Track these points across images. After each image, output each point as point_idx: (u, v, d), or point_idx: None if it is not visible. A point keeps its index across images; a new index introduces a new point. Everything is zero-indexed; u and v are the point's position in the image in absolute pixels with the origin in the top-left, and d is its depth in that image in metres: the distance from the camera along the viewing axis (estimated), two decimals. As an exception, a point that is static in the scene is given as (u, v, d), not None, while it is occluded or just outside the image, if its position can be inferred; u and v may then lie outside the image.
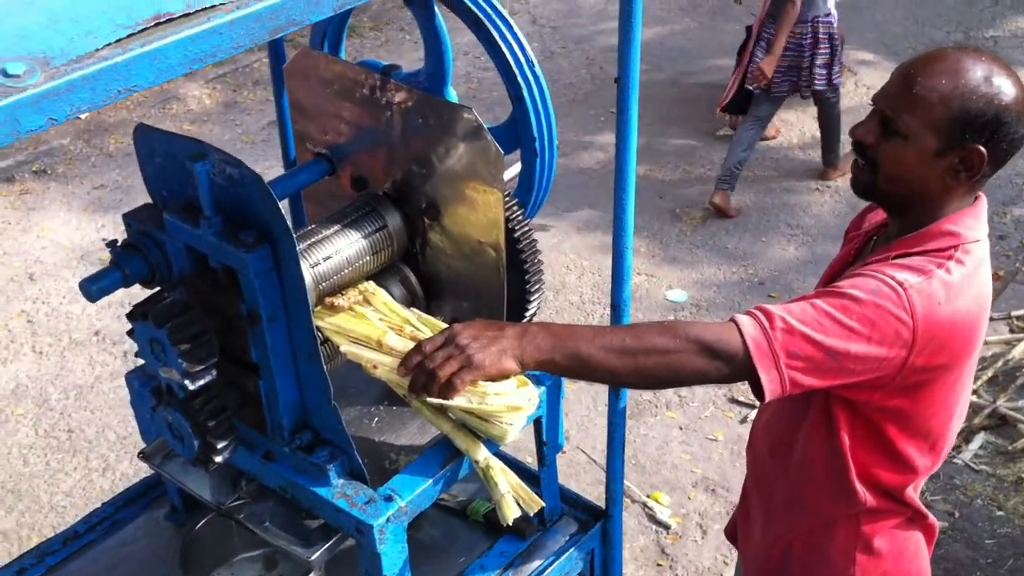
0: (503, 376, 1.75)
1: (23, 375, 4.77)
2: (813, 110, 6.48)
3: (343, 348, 1.86)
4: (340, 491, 1.79)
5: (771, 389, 1.74)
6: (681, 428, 4.27)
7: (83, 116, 6.76)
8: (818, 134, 5.88)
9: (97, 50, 1.03)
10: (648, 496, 3.95)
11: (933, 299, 1.75)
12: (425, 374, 1.74)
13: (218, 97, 7.25)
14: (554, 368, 1.76)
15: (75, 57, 1.02)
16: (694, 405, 4.37)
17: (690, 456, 4.14)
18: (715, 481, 4.01)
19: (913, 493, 2.00)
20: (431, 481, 1.82)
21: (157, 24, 1.06)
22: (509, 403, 1.76)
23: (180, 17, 1.08)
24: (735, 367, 1.75)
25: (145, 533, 2.24)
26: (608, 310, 5.01)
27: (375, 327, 1.87)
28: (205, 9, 1.10)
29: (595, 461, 4.07)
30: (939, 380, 1.84)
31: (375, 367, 1.82)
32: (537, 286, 2.07)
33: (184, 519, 2.23)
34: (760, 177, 5.89)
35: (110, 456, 4.30)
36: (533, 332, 1.76)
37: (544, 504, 1.86)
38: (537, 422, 2.02)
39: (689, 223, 5.51)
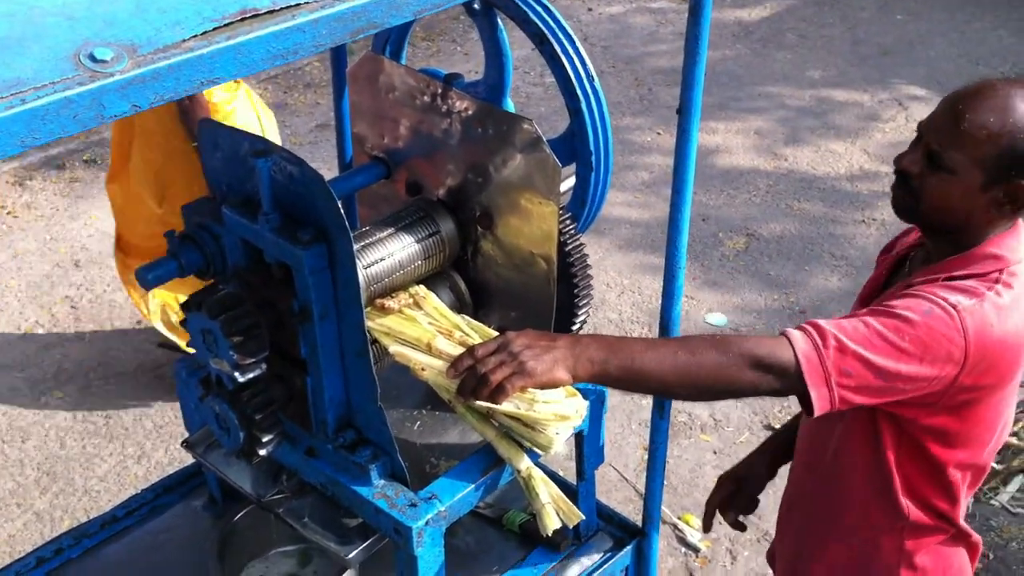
0: (553, 385, 1.77)
1: (65, 359, 4.83)
2: (862, 141, 6.47)
3: (392, 349, 1.88)
4: (380, 491, 1.81)
5: (820, 405, 1.76)
6: (715, 452, 4.25)
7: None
8: (867, 165, 5.85)
9: (183, 40, 1.05)
10: (679, 518, 3.93)
11: (986, 321, 1.77)
12: (476, 378, 1.75)
13: (268, 98, 7.31)
14: (606, 380, 1.78)
15: (162, 46, 1.04)
16: (729, 430, 4.35)
17: (723, 480, 4.11)
18: (746, 506, 3.98)
19: (957, 510, 1.99)
20: (471, 487, 1.83)
21: (243, 19, 1.09)
22: (557, 412, 1.78)
23: (265, 14, 1.10)
24: (786, 382, 1.77)
25: (182, 521, 2.26)
26: (646, 330, 5.06)
27: (425, 330, 1.89)
28: (290, 7, 1.12)
29: (626, 479, 4.07)
30: (985, 399, 1.86)
31: (423, 369, 1.84)
32: (585, 300, 2.08)
33: (222, 510, 2.25)
34: (805, 207, 5.87)
35: (146, 444, 4.34)
36: (585, 343, 1.77)
37: (583, 517, 1.86)
38: (579, 435, 2.03)
39: (731, 247, 5.49)
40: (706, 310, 5.04)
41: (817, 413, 1.76)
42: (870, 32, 7.98)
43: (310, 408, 1.86)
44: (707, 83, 6.32)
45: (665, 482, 4.08)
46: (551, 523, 1.82)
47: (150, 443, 4.35)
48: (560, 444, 1.79)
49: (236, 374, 1.75)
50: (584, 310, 2.09)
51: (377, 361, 1.96)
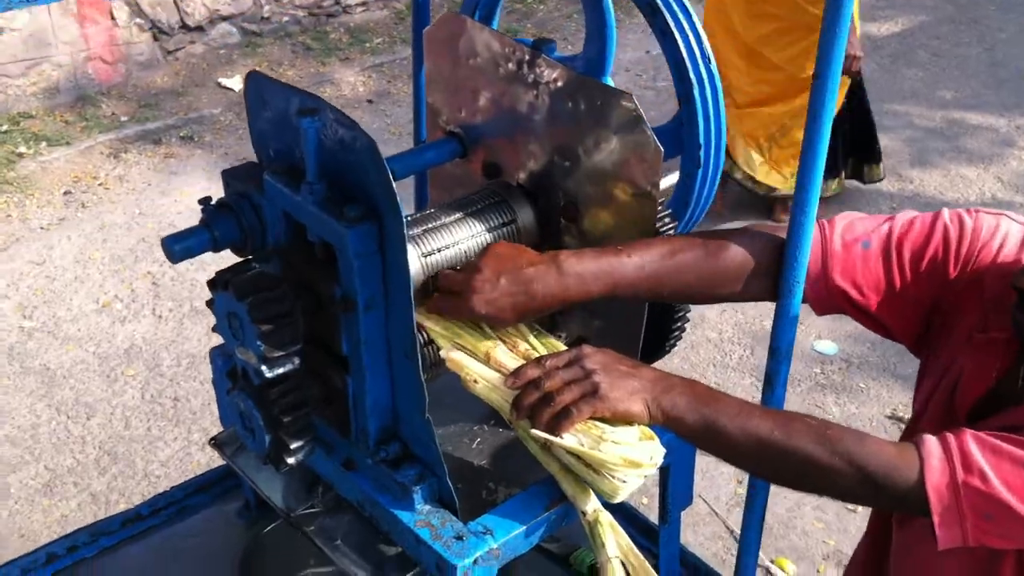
0: (626, 418, 1.49)
1: (139, 336, 4.69)
2: (996, 167, 6.01)
3: (443, 353, 1.61)
4: (424, 519, 1.54)
5: (947, 544, 1.43)
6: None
7: (237, 88, 6.74)
8: (1000, 194, 5.43)
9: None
10: (772, 561, 3.59)
11: None
12: (539, 393, 1.48)
13: (372, 86, 7.14)
14: (681, 429, 1.50)
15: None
16: (830, 467, 3.98)
17: (823, 525, 3.76)
18: (849, 557, 3.62)
19: None
20: (532, 523, 1.54)
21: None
22: (627, 456, 1.47)
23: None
24: (901, 506, 1.48)
25: (212, 526, 2.03)
26: (748, 352, 4.70)
27: (485, 337, 1.61)
28: None
29: (716, 513, 3.74)
30: None
31: (475, 381, 1.56)
32: (681, 312, 1.78)
33: (256, 518, 2.01)
34: (929, 230, 5.45)
35: (212, 431, 4.12)
36: (673, 383, 1.51)
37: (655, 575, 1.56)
38: (664, 470, 1.73)
39: (846, 270, 5.11)
40: (815, 336, 4.67)
41: (941, 547, 1.43)
42: (1009, 54, 7.49)
43: (350, 412, 1.61)
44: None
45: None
46: None
47: (217, 430, 4.14)
48: (626, 494, 1.49)
49: (263, 368, 1.50)
50: (680, 324, 1.80)
51: (432, 366, 1.69)
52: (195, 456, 4.03)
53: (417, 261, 1.63)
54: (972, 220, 1.60)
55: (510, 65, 1.72)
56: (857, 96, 5.30)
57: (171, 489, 2.09)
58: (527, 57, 1.69)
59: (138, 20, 6.88)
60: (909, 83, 7.13)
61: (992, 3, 6.54)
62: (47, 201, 5.77)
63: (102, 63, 6.84)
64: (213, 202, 1.67)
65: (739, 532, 3.65)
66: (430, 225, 1.67)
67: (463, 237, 1.68)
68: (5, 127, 6.36)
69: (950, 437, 1.43)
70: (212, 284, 1.55)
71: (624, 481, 1.47)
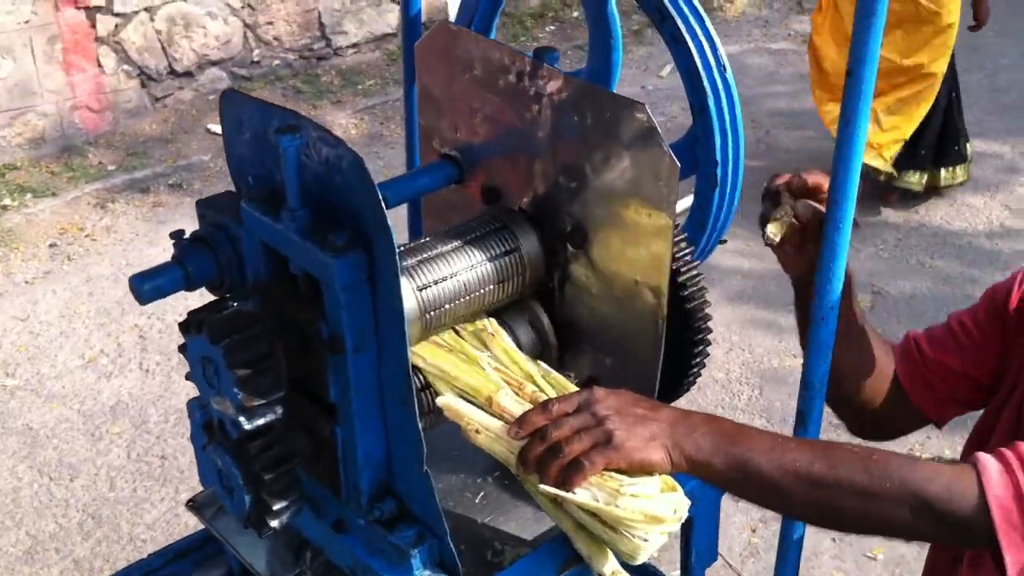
0: (645, 468, 1.32)
1: (125, 392, 4.52)
2: (1003, 195, 5.88)
3: (440, 400, 1.44)
4: (423, 585, 1.36)
5: (1016, 571, 1.28)
6: (834, 540, 3.70)
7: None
8: (1008, 222, 5.29)
9: None
10: (789, 612, 3.40)
11: None
12: (546, 444, 1.31)
13: (364, 128, 7.02)
14: (709, 475, 1.33)
15: None
16: (849, 512, 3.80)
17: (843, 574, 3.57)
18: (868, 606, 3.45)
19: None
20: (543, 589, 1.37)
21: None
22: (648, 511, 1.30)
23: None
24: (964, 533, 1.30)
25: (192, 596, 1.84)
26: (757, 392, 4.53)
27: (487, 379, 1.44)
28: None
29: (731, 565, 3.55)
30: None
31: (477, 432, 1.39)
32: (701, 347, 1.62)
33: (240, 585, 1.83)
34: (938, 264, 5.31)
35: (201, 491, 3.96)
36: (694, 423, 1.34)
37: None
38: (686, 524, 1.56)
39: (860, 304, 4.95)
40: (825, 372, 4.50)
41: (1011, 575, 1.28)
42: (1011, 80, 7.37)
43: (340, 467, 1.43)
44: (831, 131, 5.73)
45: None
46: None
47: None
48: (648, 553, 1.31)
49: (241, 419, 1.33)
50: (699, 360, 1.63)
51: (429, 412, 1.52)
52: (183, 518, 3.84)
53: (412, 296, 1.47)
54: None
55: (510, 77, 1.57)
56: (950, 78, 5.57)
57: (149, 557, 1.91)
58: (528, 68, 1.54)
59: (125, 67, 6.76)
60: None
61: (991, 29, 6.45)
62: (32, 254, 5.61)
63: (89, 111, 6.71)
64: (185, 235, 1.51)
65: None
66: (425, 255, 1.51)
67: (461, 268, 1.52)
68: (-11, 179, 6.23)
69: (1006, 450, 1.32)
70: (184, 327, 1.38)
71: (646, 539, 1.30)
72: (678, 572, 1.67)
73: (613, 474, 1.30)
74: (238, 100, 1.46)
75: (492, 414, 1.39)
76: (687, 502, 1.34)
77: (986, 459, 1.30)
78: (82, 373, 4.65)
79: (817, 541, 3.66)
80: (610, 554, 1.36)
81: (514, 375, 1.45)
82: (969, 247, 5.45)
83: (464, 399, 1.42)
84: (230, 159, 1.54)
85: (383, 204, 1.24)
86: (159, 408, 4.42)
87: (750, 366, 4.55)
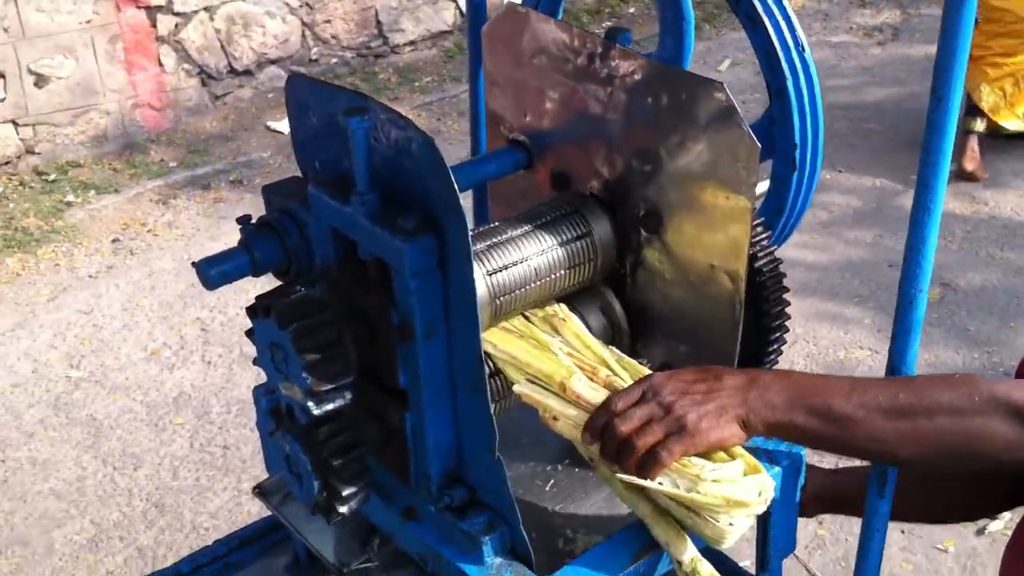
0: (723, 447, 1.28)
1: (188, 384, 4.55)
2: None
3: (516, 388, 1.41)
4: (495, 573, 1.34)
5: None
6: (903, 531, 3.63)
7: (286, 132, 6.64)
8: (1081, 213, 5.15)
9: None
10: (857, 608, 3.33)
11: None
12: (617, 441, 1.27)
13: (422, 125, 7.02)
14: (792, 433, 1.29)
15: None
16: (918, 506, 3.72)
17: (912, 567, 3.50)
18: (940, 603, 3.37)
19: None
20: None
21: None
22: (731, 495, 1.26)
23: None
24: None
25: (258, 584, 1.83)
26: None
27: (560, 365, 1.41)
28: None
29: (798, 558, 3.49)
30: None
31: (555, 419, 1.36)
32: (778, 334, 1.57)
33: (308, 574, 1.81)
34: (1010, 256, 5.18)
35: (263, 479, 3.98)
36: (764, 382, 1.28)
37: None
38: (764, 513, 1.51)
39: (924, 297, 4.85)
40: (893, 367, 4.42)
41: None
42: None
43: (410, 455, 1.41)
44: (897, 120, 5.78)
45: (842, 563, 3.51)
46: None
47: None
48: (735, 537, 1.27)
49: (310, 404, 1.31)
50: (776, 347, 1.59)
51: (500, 399, 1.50)
52: (245, 506, 3.86)
53: (482, 281, 1.44)
54: None
55: (580, 60, 1.54)
56: None
57: (214, 544, 1.91)
58: (599, 49, 1.51)
59: (186, 66, 6.83)
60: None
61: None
62: (95, 249, 5.68)
63: (150, 110, 6.78)
64: (253, 221, 1.50)
65: (822, 576, 3.40)
66: (494, 240, 1.48)
67: (532, 253, 1.49)
68: (53, 176, 6.31)
69: None
70: (251, 311, 1.37)
71: (731, 524, 1.26)
72: (749, 561, 1.63)
73: (693, 459, 1.27)
74: (304, 84, 1.45)
75: (566, 400, 1.36)
76: (772, 482, 1.30)
77: None
78: (145, 365, 4.69)
79: (887, 534, 3.59)
80: (689, 541, 1.32)
81: (587, 360, 1.42)
82: (1044, 240, 5.34)
83: (537, 386, 1.39)
84: (296, 144, 1.52)
85: (455, 186, 1.21)
86: (221, 399, 4.44)
87: (815, 358, 4.47)
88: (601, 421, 1.30)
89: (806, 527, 3.63)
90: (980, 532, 3.60)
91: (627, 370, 1.43)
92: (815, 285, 5.00)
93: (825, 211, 5.57)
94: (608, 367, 1.42)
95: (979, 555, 3.50)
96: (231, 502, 3.89)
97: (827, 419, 1.26)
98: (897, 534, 3.61)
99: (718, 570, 1.34)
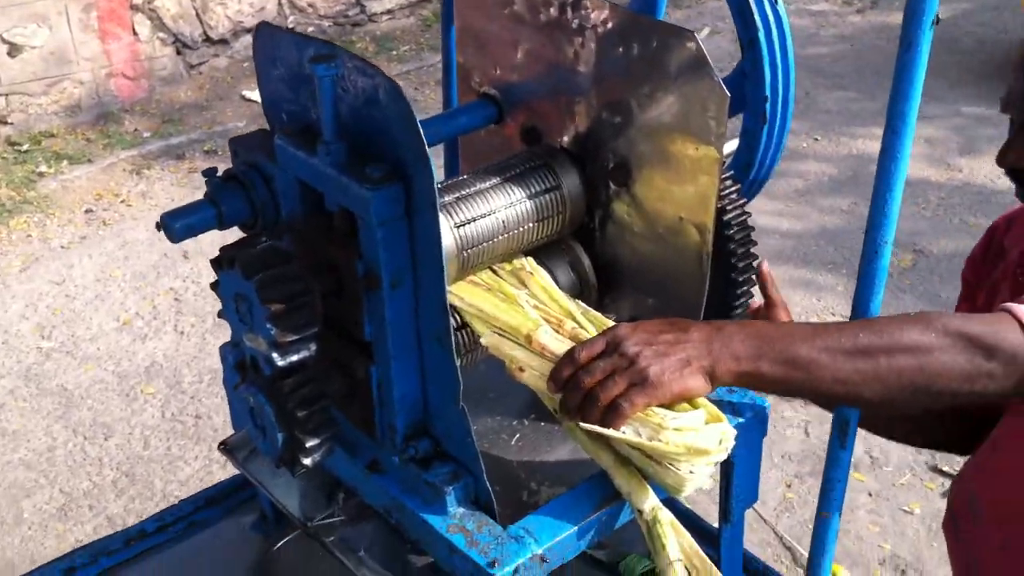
0: (687, 398, 1.28)
1: (160, 354, 4.52)
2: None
3: (484, 340, 1.40)
4: (458, 524, 1.33)
5: None
6: (871, 494, 3.66)
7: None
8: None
9: None
10: (827, 571, 3.36)
11: None
12: (581, 393, 1.27)
13: (398, 94, 6.99)
14: (759, 382, 1.29)
15: None
16: (888, 469, 3.76)
17: (879, 528, 3.53)
18: (907, 561, 3.39)
19: None
20: (579, 527, 1.33)
21: None
22: (692, 444, 1.26)
23: None
24: (1015, 369, 1.26)
25: (225, 542, 1.83)
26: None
27: (526, 317, 1.40)
28: None
29: (765, 519, 3.51)
30: None
31: (521, 369, 1.36)
32: (745, 287, 1.57)
33: (274, 531, 1.81)
34: (982, 223, 5.21)
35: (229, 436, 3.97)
36: (729, 332, 1.28)
37: None
38: (726, 464, 1.52)
39: (896, 264, 4.87)
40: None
41: None
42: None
43: (375, 407, 1.40)
44: (873, 88, 5.77)
45: (811, 524, 3.53)
46: None
47: (240, 448, 3.97)
48: (695, 486, 1.27)
49: (275, 355, 1.30)
50: (743, 301, 1.59)
51: (466, 352, 1.49)
52: (217, 475, 3.84)
53: (450, 233, 1.43)
54: None
55: (551, 10, 1.52)
56: None
57: (180, 503, 1.90)
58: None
59: (160, 34, 6.76)
60: (955, 70, 6.89)
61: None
62: (68, 220, 5.63)
63: (124, 79, 6.72)
64: (219, 174, 1.48)
65: (789, 538, 3.42)
66: (464, 192, 1.47)
67: (501, 205, 1.48)
68: (26, 146, 6.24)
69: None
70: (216, 262, 1.35)
71: (692, 472, 1.26)
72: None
73: (655, 409, 1.26)
74: (272, 33, 1.43)
75: (532, 351, 1.35)
76: (733, 432, 1.30)
77: (1011, 304, 1.30)
78: (117, 335, 4.66)
79: (853, 496, 3.62)
80: (650, 491, 1.32)
81: (553, 313, 1.42)
82: (1015, 202, 5.35)
83: (503, 338, 1.38)
84: (263, 96, 1.51)
85: (421, 133, 1.20)
86: (193, 369, 4.42)
87: (798, 319, 4.49)
88: (565, 372, 1.30)
89: (775, 491, 3.66)
90: (946, 494, 3.63)
91: (593, 323, 1.42)
92: (790, 252, 5.02)
93: (801, 179, 5.58)
94: (574, 320, 1.42)
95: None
96: (202, 471, 3.88)
97: (792, 365, 1.26)
98: (864, 496, 3.64)
99: (682, 525, 1.35)
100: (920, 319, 1.28)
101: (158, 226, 1.42)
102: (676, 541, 1.33)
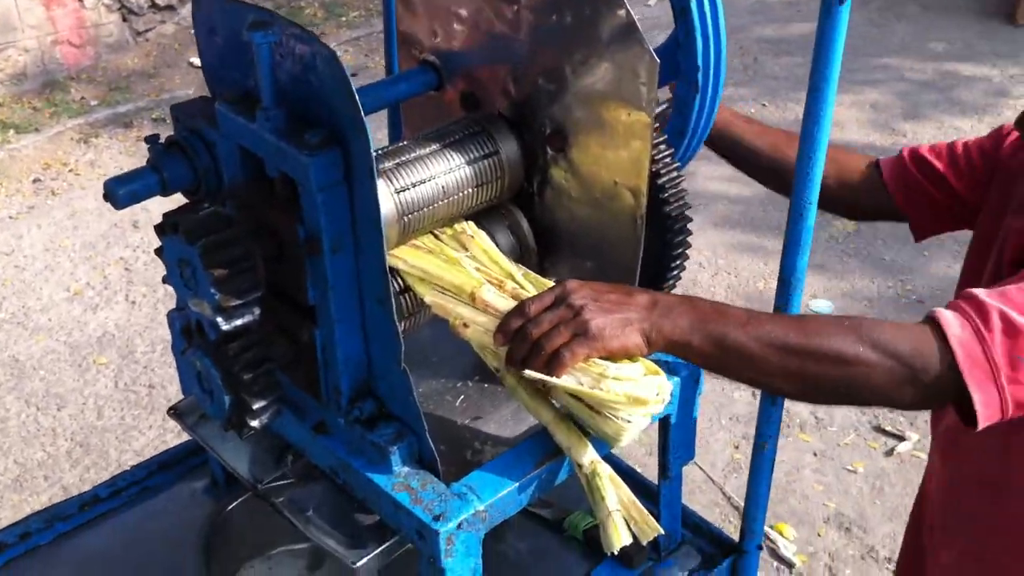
0: (625, 353, 1.33)
1: (112, 324, 4.51)
2: (990, 118, 5.88)
3: (428, 299, 1.44)
4: (403, 482, 1.37)
5: (986, 413, 1.30)
6: (815, 454, 3.74)
7: (209, 68, 6.54)
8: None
9: None
10: (771, 527, 3.44)
11: None
12: (527, 342, 1.32)
13: (349, 60, 6.95)
14: (689, 353, 1.34)
15: None
16: (832, 429, 3.84)
17: (823, 487, 3.61)
18: (851, 519, 3.48)
19: None
20: (520, 483, 1.38)
21: None
22: (631, 393, 1.31)
23: None
24: (933, 383, 1.30)
25: (177, 507, 1.85)
26: (744, 315, 4.51)
27: (469, 276, 1.45)
28: None
29: (713, 480, 3.59)
30: None
31: (465, 325, 1.40)
32: (680, 250, 1.61)
33: (225, 495, 1.84)
34: (924, 187, 5.30)
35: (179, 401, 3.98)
36: (670, 304, 1.34)
37: (661, 532, 1.40)
38: (664, 421, 1.57)
39: (841, 228, 4.95)
40: (810, 295, 4.52)
41: (982, 423, 1.30)
42: (1001, 3, 7.33)
43: (320, 370, 1.44)
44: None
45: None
46: (618, 537, 1.36)
47: (193, 416, 3.98)
48: (632, 435, 1.33)
49: (219, 319, 1.33)
50: (678, 263, 1.63)
51: (410, 315, 1.52)
52: (171, 444, 3.83)
53: (390, 198, 1.46)
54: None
55: (487, -21, 1.55)
56: None
57: (132, 468, 1.93)
58: (505, -32, 1.52)
59: (106, 1, 6.68)
60: (899, 36, 6.98)
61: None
62: (16, 190, 5.58)
63: (70, 46, 6.64)
64: (161, 141, 1.50)
65: (737, 499, 3.49)
66: (403, 158, 1.50)
67: (440, 171, 1.51)
68: (-29, 115, 6.17)
69: (957, 300, 1.35)
70: (160, 228, 1.38)
71: (629, 421, 1.31)
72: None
73: (597, 361, 1.31)
74: (210, 1, 1.44)
75: (476, 308, 1.39)
76: (670, 384, 1.35)
77: (941, 311, 1.33)
78: (68, 306, 4.64)
79: (798, 456, 3.71)
80: (589, 446, 1.37)
81: (494, 274, 1.46)
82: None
83: (448, 297, 1.42)
84: (204, 64, 1.52)
85: (358, 99, 1.22)
86: (145, 339, 4.42)
87: (735, 289, 4.56)
88: (515, 324, 1.35)
89: (723, 452, 3.74)
90: (889, 453, 3.73)
91: (533, 284, 1.46)
92: (737, 218, 5.09)
93: (749, 146, 5.64)
94: (515, 280, 1.46)
95: (887, 475, 3.63)
96: (156, 440, 3.89)
97: (720, 346, 1.32)
98: (809, 456, 3.73)
99: (623, 481, 1.40)
100: (851, 329, 1.32)
101: (105, 197, 1.44)
102: (615, 493, 1.38)
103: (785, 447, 3.77)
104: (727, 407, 3.90)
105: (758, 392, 1.76)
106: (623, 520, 1.37)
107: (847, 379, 1.31)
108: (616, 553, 1.40)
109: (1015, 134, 1.72)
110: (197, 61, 6.77)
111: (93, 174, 5.73)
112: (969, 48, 6.69)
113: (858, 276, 4.65)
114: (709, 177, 5.27)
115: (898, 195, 1.87)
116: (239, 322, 1.34)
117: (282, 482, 1.55)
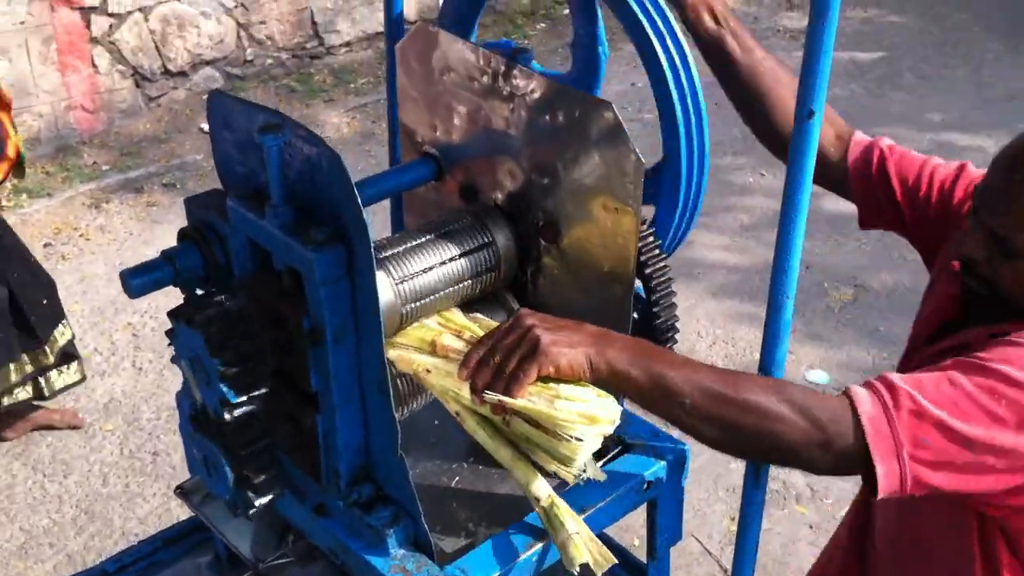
0: (572, 372, 1.41)
1: (118, 390, 4.57)
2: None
3: (390, 354, 1.51)
4: (399, 564, 1.43)
5: (887, 485, 1.41)
6: (811, 527, 3.77)
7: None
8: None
9: None
10: (769, 600, 3.47)
11: None
12: (489, 371, 1.41)
13: (356, 127, 7.07)
14: (628, 384, 1.42)
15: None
16: (828, 502, 3.87)
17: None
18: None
19: None
20: (512, 566, 1.44)
21: None
22: (583, 411, 1.40)
23: None
24: (843, 452, 1.41)
25: (182, 581, 1.91)
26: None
27: (430, 329, 1.55)
28: None
29: (710, 552, 3.62)
30: None
31: (428, 371, 1.48)
32: (669, 334, 1.68)
33: (228, 571, 1.89)
34: (918, 256, 5.37)
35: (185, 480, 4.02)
36: (615, 338, 1.45)
37: (615, 561, 1.45)
38: (651, 504, 1.63)
39: (837, 299, 5.02)
40: (806, 366, 4.58)
41: (882, 493, 1.41)
42: (996, 75, 7.46)
43: (321, 454, 1.50)
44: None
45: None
46: (579, 554, 1.42)
47: (197, 482, 4.03)
48: (585, 455, 1.39)
49: (224, 413, 1.39)
50: (669, 335, 1.70)
51: (407, 401, 1.59)
52: (175, 512, 3.89)
53: (390, 289, 1.53)
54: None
55: (485, 78, 1.63)
56: None
57: (139, 543, 1.98)
58: (502, 68, 1.60)
59: (120, 67, 6.81)
60: (896, 106, 7.08)
61: (976, 24, 6.54)
62: (27, 255, 5.66)
63: (83, 111, 6.76)
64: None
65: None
66: (401, 248, 1.57)
67: (436, 262, 1.59)
68: (-16, 180, 6.27)
69: (871, 379, 1.46)
70: (174, 315, 1.45)
71: (580, 440, 1.38)
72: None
73: (551, 383, 1.39)
74: (224, 101, 1.53)
75: (437, 356, 1.48)
76: (619, 408, 1.42)
77: (855, 388, 1.44)
78: (76, 371, 4.70)
79: (794, 529, 3.73)
80: (546, 483, 1.44)
81: (453, 326, 1.55)
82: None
83: (410, 350, 1.51)
84: (217, 158, 1.60)
85: (359, 201, 1.30)
86: (151, 405, 4.47)
87: (733, 359, 4.62)
88: (476, 356, 1.43)
89: (720, 524, 3.76)
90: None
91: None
92: (735, 287, 5.15)
93: (747, 214, 5.73)
94: (471, 330, 1.54)
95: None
96: (160, 508, 3.93)
97: (657, 382, 1.40)
98: (806, 529, 3.75)
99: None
100: (774, 387, 1.43)
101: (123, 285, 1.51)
102: (572, 520, 1.45)
103: (781, 520, 3.80)
104: (724, 478, 3.93)
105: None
106: (582, 542, 1.43)
107: (765, 432, 1.40)
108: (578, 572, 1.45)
109: (971, 177, 1.82)
110: (207, 127, 6.89)
111: (103, 239, 5.81)
112: (964, 118, 6.79)
113: (854, 347, 4.70)
114: (708, 246, 5.35)
115: (855, 184, 1.92)
116: (242, 411, 1.41)
117: (283, 561, 1.60)
